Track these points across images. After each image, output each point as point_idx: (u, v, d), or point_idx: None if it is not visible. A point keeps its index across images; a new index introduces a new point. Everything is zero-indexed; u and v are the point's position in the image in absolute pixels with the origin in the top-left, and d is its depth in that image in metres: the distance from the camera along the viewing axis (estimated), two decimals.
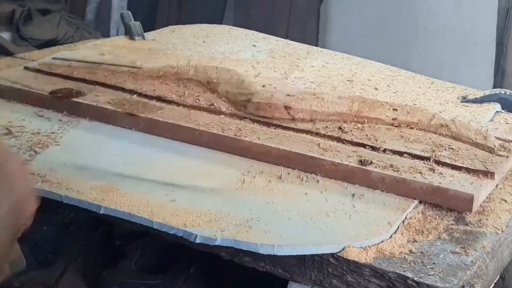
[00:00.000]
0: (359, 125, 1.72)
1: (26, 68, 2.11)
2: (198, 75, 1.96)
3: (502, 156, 1.59)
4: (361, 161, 1.54)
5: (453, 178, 1.49)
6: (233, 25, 3.26)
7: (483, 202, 1.52)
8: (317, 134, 1.69)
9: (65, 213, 2.10)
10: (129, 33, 2.59)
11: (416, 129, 1.72)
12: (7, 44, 4.75)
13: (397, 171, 1.51)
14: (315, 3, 5.21)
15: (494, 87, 2.73)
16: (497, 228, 1.42)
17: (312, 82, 2.12)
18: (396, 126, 1.73)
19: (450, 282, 1.23)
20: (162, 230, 1.36)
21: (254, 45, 2.54)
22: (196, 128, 1.71)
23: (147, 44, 2.49)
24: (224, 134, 1.68)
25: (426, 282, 1.23)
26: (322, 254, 1.31)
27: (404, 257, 1.30)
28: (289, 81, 2.11)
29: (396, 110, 1.77)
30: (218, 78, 1.93)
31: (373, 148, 1.62)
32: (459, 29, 4.58)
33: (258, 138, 1.66)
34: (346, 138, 1.66)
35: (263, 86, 1.87)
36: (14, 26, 4.98)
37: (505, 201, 1.54)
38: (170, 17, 5.38)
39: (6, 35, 4.92)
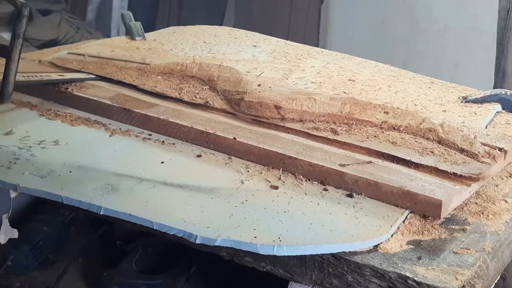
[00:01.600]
0: (347, 127, 1.72)
1: (40, 61, 2.15)
2: (201, 73, 1.99)
3: (485, 163, 1.57)
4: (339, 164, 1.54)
5: (427, 183, 1.47)
6: (234, 26, 3.26)
7: (484, 202, 1.52)
8: (306, 134, 1.69)
9: (65, 213, 2.11)
10: (129, 33, 2.59)
11: (405, 132, 1.70)
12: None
13: (372, 173, 1.50)
14: (315, 4, 5.22)
15: (495, 87, 2.73)
16: (497, 228, 1.42)
17: (313, 82, 2.12)
18: (385, 129, 1.72)
19: (450, 282, 1.23)
20: (163, 230, 1.36)
21: (255, 46, 2.54)
22: (184, 124, 1.72)
23: (148, 44, 2.50)
24: (208, 131, 1.68)
25: (427, 282, 1.23)
26: (322, 254, 1.31)
27: (405, 257, 1.30)
28: (290, 82, 2.11)
29: (387, 113, 1.77)
30: (218, 76, 1.95)
31: (356, 151, 1.61)
32: (460, 30, 4.58)
33: (242, 136, 1.66)
34: (330, 137, 1.66)
35: (259, 85, 1.87)
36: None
37: (505, 201, 1.54)
38: (170, 18, 5.38)
39: (6, 35, 4.93)
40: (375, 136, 1.68)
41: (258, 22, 5.00)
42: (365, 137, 1.67)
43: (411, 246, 1.34)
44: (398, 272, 1.26)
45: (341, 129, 1.70)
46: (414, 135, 1.69)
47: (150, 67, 2.07)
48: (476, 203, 1.50)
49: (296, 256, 1.32)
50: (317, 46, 3.56)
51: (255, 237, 1.31)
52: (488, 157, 1.59)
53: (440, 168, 1.53)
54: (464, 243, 1.36)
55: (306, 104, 1.76)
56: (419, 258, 1.30)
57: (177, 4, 5.46)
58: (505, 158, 1.64)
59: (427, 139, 1.67)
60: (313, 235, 1.33)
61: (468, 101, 2.04)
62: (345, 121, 1.75)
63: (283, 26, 5.18)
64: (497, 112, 2.02)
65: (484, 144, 1.65)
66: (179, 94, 1.90)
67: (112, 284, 1.89)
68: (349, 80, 2.17)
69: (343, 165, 1.53)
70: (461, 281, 1.24)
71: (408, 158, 1.57)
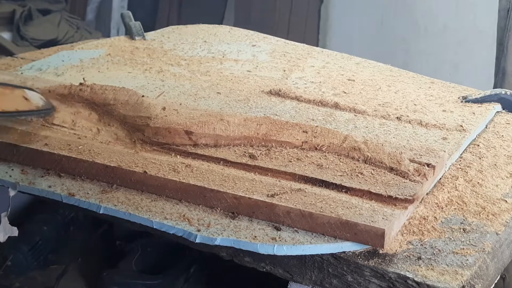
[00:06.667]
0: (266, 150, 1.57)
1: None
2: (93, 96, 1.76)
3: (416, 181, 1.48)
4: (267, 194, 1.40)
5: (364, 210, 1.35)
6: (234, 26, 3.26)
7: (483, 202, 1.51)
8: (223, 161, 1.54)
9: (65, 213, 2.11)
10: (129, 33, 2.59)
11: (328, 152, 1.58)
12: (8, 44, 4.76)
13: (305, 203, 1.37)
14: (315, 3, 5.22)
15: (495, 87, 2.73)
16: (497, 228, 1.42)
17: (312, 82, 2.12)
18: (306, 150, 1.59)
19: (450, 283, 1.23)
20: (162, 230, 1.36)
21: (254, 45, 2.54)
22: (85, 159, 1.54)
23: (147, 44, 2.50)
24: (113, 165, 1.50)
25: (427, 282, 1.23)
26: (322, 254, 1.31)
27: (405, 257, 1.30)
28: (290, 81, 2.11)
29: (306, 132, 1.63)
30: (115, 99, 1.72)
31: (281, 177, 1.48)
32: (460, 30, 4.58)
33: (153, 168, 1.49)
34: (250, 163, 1.52)
35: (164, 108, 1.66)
36: (15, 26, 4.99)
37: (505, 201, 1.53)
38: (170, 17, 5.39)
39: (6, 35, 4.93)
40: (298, 159, 1.54)
41: (258, 22, 5.00)
42: (287, 160, 1.53)
43: (411, 246, 1.34)
44: (398, 272, 1.26)
45: (260, 153, 1.56)
46: (338, 155, 1.56)
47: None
48: (476, 203, 1.50)
49: (296, 256, 1.32)
50: (317, 45, 3.56)
51: (255, 237, 1.31)
52: (419, 175, 1.50)
53: (373, 191, 1.42)
54: (464, 243, 1.35)
55: (219, 127, 1.59)
56: (419, 258, 1.30)
57: (177, 4, 5.47)
58: (434, 174, 1.54)
59: (352, 158, 1.55)
60: (313, 235, 1.33)
61: (468, 101, 2.04)
62: (263, 143, 1.60)
63: (283, 25, 5.18)
64: (497, 112, 2.02)
65: (411, 161, 1.55)
66: (73, 123, 1.69)
67: (111, 284, 1.89)
68: (348, 80, 2.17)
69: (272, 196, 1.39)
70: (461, 281, 1.24)
71: (338, 182, 1.44)
